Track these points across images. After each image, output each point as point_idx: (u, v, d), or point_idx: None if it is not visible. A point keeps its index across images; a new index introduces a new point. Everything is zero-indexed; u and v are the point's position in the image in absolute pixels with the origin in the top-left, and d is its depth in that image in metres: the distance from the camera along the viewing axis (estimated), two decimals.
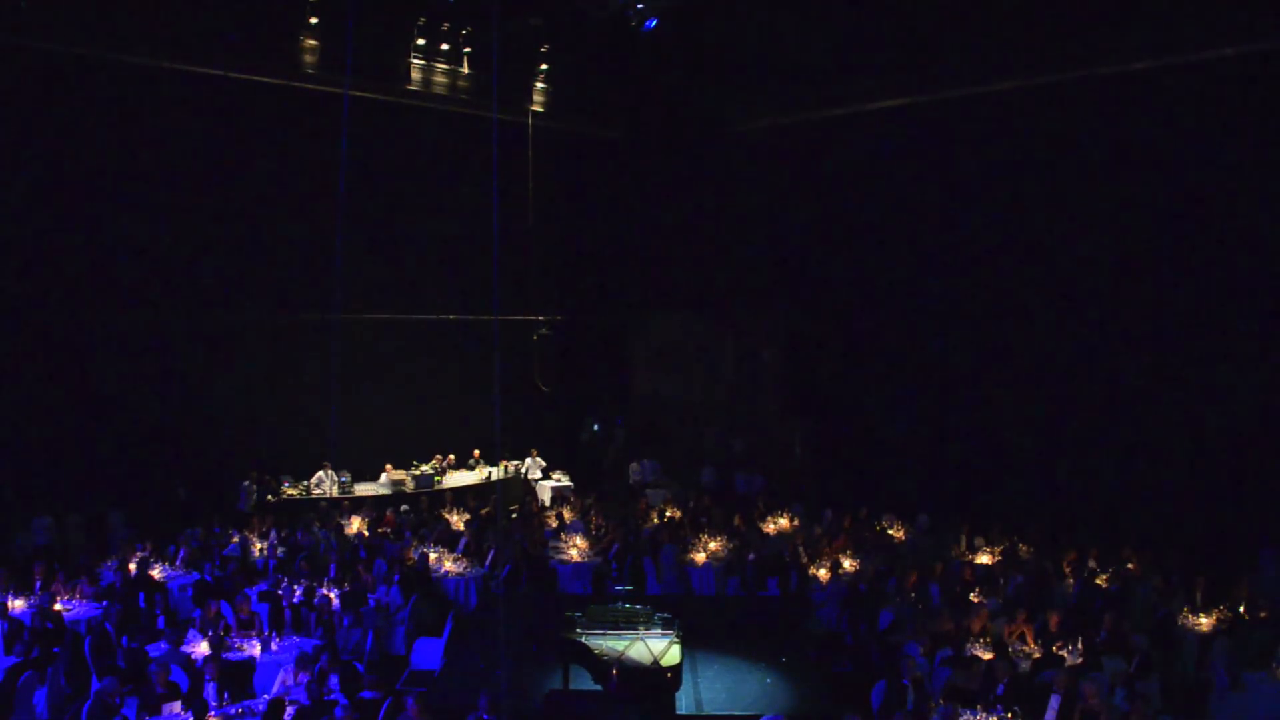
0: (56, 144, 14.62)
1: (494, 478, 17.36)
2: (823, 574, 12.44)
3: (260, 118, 16.32)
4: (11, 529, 13.57)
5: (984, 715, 8.16)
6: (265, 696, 8.40)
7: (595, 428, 20.76)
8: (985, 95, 16.31)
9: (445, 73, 18.26)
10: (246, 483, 15.45)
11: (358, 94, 16.15)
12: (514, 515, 15.73)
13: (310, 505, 15.19)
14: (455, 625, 10.71)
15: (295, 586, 11.15)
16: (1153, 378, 14.87)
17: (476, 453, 18.26)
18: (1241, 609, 10.72)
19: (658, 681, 8.84)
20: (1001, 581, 11.77)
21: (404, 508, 15.58)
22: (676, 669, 8.89)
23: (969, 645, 9.89)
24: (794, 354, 19.16)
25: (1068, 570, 12.41)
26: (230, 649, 9.40)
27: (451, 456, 17.93)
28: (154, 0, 14.83)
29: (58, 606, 10.42)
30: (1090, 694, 8.04)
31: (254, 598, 10.75)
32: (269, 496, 15.50)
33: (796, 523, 14.90)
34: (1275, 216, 13.69)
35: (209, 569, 12.21)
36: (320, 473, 16.00)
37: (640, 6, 17.09)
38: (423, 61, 17.92)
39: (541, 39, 19.06)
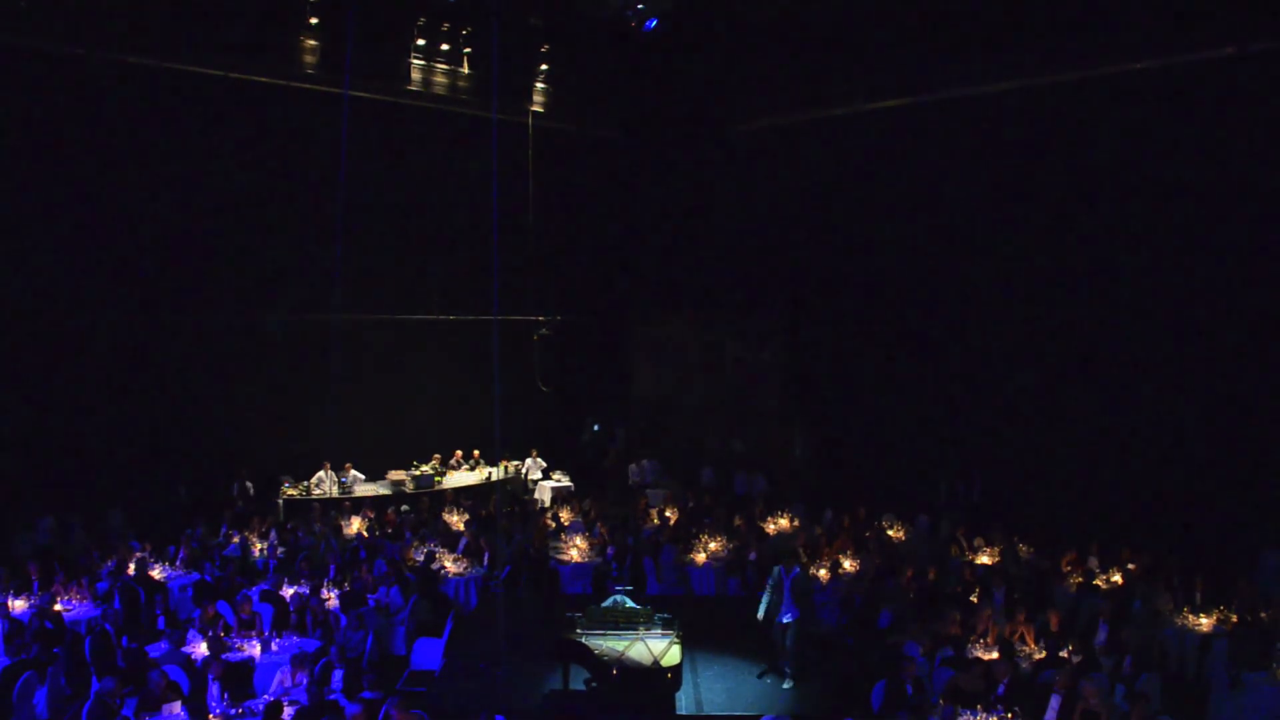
0: (57, 144, 14.62)
1: (494, 478, 17.37)
2: (823, 574, 12.44)
3: (260, 118, 16.32)
4: (14, 529, 13.57)
5: (984, 715, 8.16)
6: (265, 697, 8.40)
7: (595, 428, 20.77)
8: (985, 95, 16.32)
9: (445, 73, 18.26)
10: (238, 484, 15.46)
11: (358, 94, 16.13)
12: (513, 512, 15.72)
13: (309, 505, 15.18)
14: (455, 625, 10.71)
15: (296, 587, 11.16)
16: (1153, 378, 14.88)
17: (476, 453, 18.27)
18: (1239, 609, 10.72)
19: (658, 681, 8.85)
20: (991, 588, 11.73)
21: (404, 507, 15.59)
22: (676, 669, 8.90)
23: (969, 645, 9.90)
24: (794, 354, 19.17)
25: (1067, 570, 12.42)
26: (230, 649, 9.40)
27: (458, 453, 17.97)
28: (154, 0, 14.83)
29: (58, 606, 10.43)
30: (1090, 694, 8.03)
31: (255, 598, 10.75)
32: (253, 490, 15.49)
33: (796, 523, 14.91)
34: (1276, 215, 13.70)
35: (209, 569, 12.20)
36: (320, 473, 16.00)
37: (640, 6, 17.08)
38: (423, 61, 17.92)
39: (541, 39, 19.06)
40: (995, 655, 9.43)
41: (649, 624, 9.27)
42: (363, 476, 16.61)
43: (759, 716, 8.53)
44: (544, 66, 19.44)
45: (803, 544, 13.49)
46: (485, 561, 12.89)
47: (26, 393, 14.51)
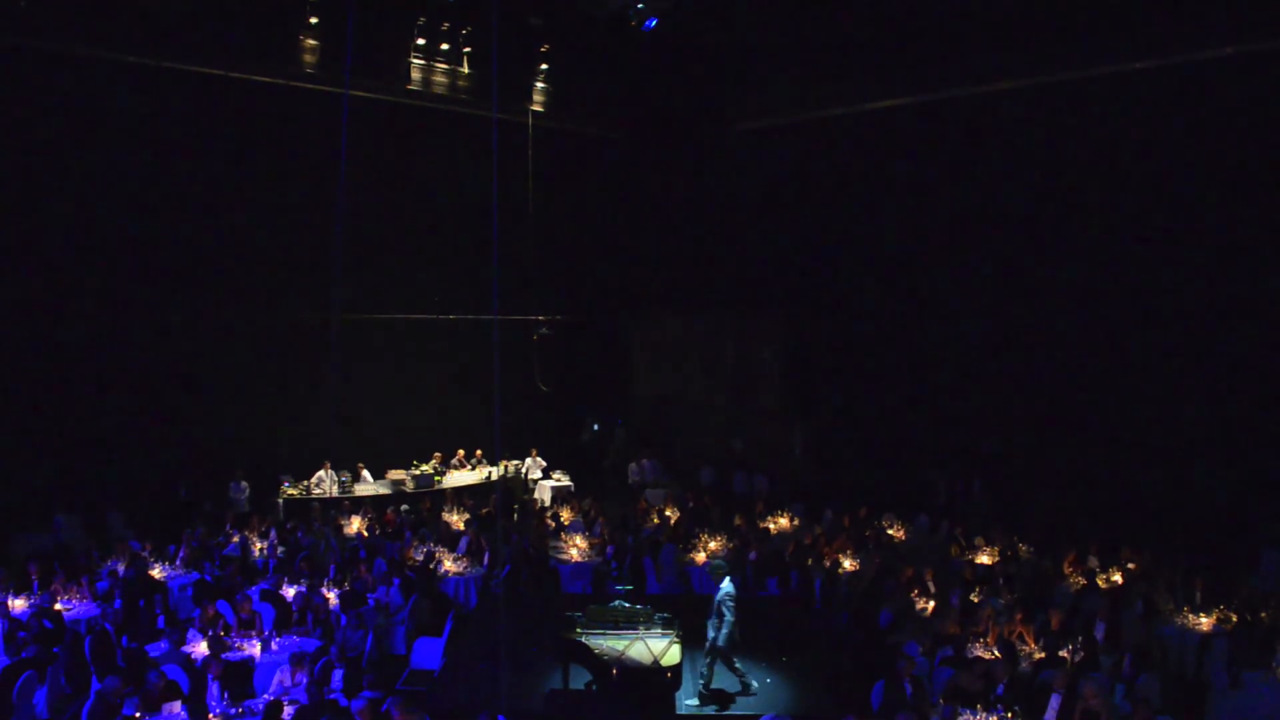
0: (57, 144, 14.62)
1: (494, 477, 17.37)
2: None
3: (260, 118, 16.32)
4: (16, 528, 13.58)
5: (984, 715, 8.16)
6: (265, 696, 8.40)
7: (595, 428, 20.77)
8: (985, 95, 16.32)
9: (445, 73, 18.27)
10: (242, 483, 15.48)
11: (358, 94, 16.16)
12: (514, 511, 15.73)
13: (309, 505, 15.18)
14: (455, 625, 10.71)
15: (297, 586, 11.16)
16: (1153, 377, 14.88)
17: (479, 452, 18.28)
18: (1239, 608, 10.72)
19: (658, 681, 8.85)
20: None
21: (404, 507, 15.59)
22: (676, 669, 8.90)
23: (969, 645, 9.89)
24: (794, 354, 19.17)
25: (1068, 570, 12.42)
26: (230, 649, 9.40)
27: (460, 452, 17.99)
28: (154, 0, 14.83)
29: (58, 606, 10.43)
30: (1090, 694, 8.03)
31: (255, 597, 10.75)
32: (248, 490, 15.52)
33: (796, 522, 14.92)
34: (1275, 215, 13.70)
35: (209, 568, 12.21)
36: (320, 472, 16.00)
37: (640, 6, 17.10)
38: (423, 61, 17.93)
39: (541, 39, 19.06)
40: (996, 655, 9.42)
41: (649, 624, 9.26)
42: (371, 479, 16.61)
43: (759, 716, 8.53)
44: (544, 66, 19.44)
45: (809, 542, 13.52)
46: (485, 561, 12.89)
47: (26, 393, 14.50)
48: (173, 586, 11.65)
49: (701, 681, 9.23)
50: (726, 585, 9.15)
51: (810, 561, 12.82)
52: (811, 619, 11.63)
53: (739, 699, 9.23)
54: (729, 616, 9.00)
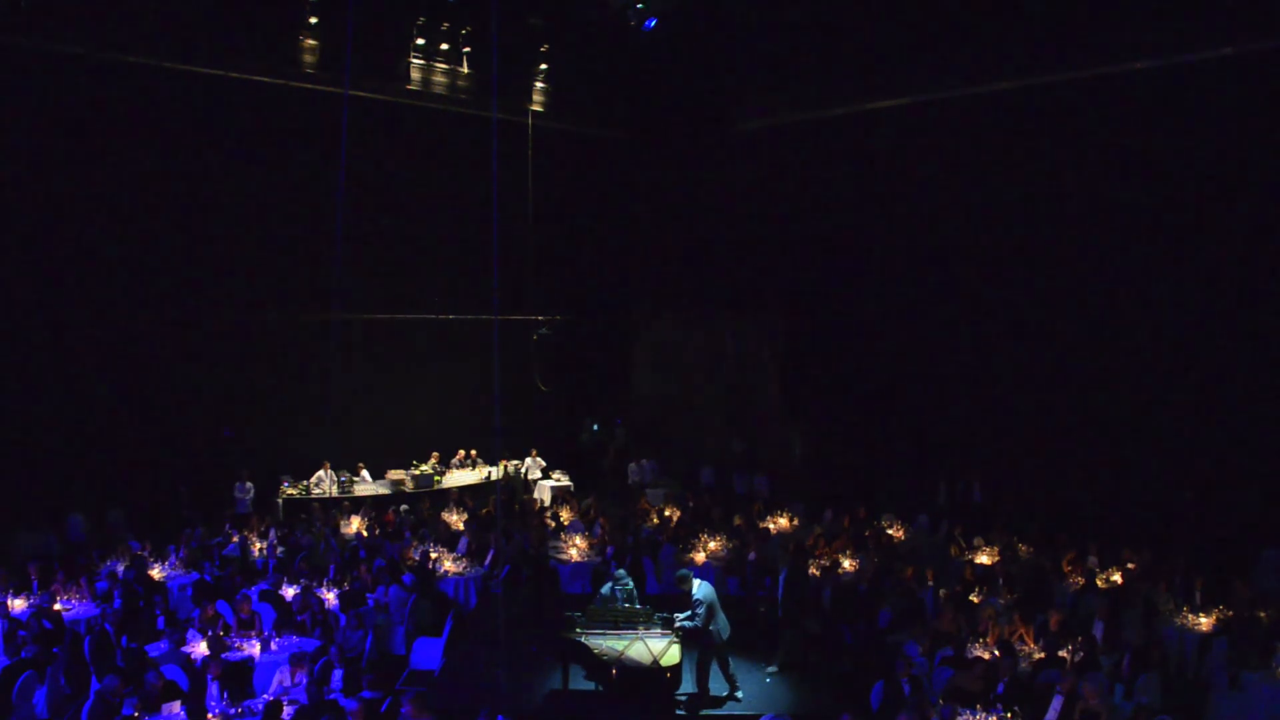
0: (57, 144, 14.62)
1: (493, 477, 17.37)
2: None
3: (260, 118, 16.32)
4: (15, 527, 13.59)
5: (984, 715, 8.15)
6: (265, 696, 8.39)
7: (595, 428, 20.78)
8: (985, 95, 16.31)
9: (445, 73, 18.27)
10: (246, 484, 15.48)
11: (358, 94, 16.15)
12: (514, 511, 15.73)
13: (309, 505, 15.18)
14: (455, 625, 10.71)
15: (296, 587, 11.16)
16: (1153, 378, 14.87)
17: (474, 453, 18.27)
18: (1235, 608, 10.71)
19: (658, 681, 8.85)
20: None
21: (404, 507, 15.59)
22: (676, 669, 8.90)
23: (969, 645, 9.89)
24: (794, 354, 19.16)
25: (1068, 570, 12.41)
26: (229, 649, 9.40)
27: (461, 452, 17.99)
28: (154, 0, 14.83)
29: (57, 606, 10.43)
30: (1090, 694, 8.02)
31: (254, 597, 10.74)
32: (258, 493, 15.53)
33: (796, 522, 14.92)
34: (1275, 215, 13.69)
35: (209, 569, 12.20)
36: (320, 472, 16.00)
37: (640, 6, 17.10)
38: (423, 61, 17.93)
39: (541, 39, 19.07)
40: (996, 655, 9.41)
41: (649, 624, 9.27)
42: (370, 479, 16.60)
43: (759, 716, 8.53)
44: (544, 66, 19.44)
45: (811, 542, 13.51)
46: (487, 561, 12.89)
47: (27, 394, 14.50)
48: (172, 586, 11.65)
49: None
50: (696, 591, 9.20)
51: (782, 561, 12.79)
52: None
53: (729, 703, 9.26)
54: (691, 623, 9.11)
